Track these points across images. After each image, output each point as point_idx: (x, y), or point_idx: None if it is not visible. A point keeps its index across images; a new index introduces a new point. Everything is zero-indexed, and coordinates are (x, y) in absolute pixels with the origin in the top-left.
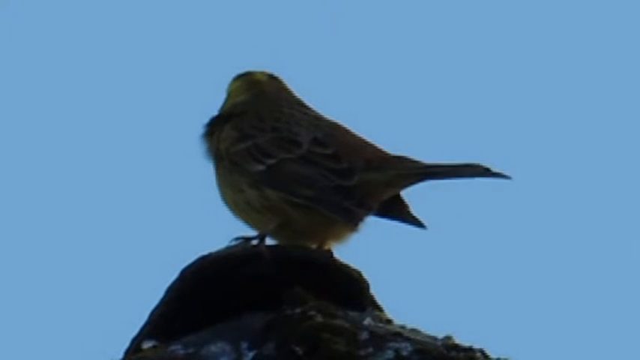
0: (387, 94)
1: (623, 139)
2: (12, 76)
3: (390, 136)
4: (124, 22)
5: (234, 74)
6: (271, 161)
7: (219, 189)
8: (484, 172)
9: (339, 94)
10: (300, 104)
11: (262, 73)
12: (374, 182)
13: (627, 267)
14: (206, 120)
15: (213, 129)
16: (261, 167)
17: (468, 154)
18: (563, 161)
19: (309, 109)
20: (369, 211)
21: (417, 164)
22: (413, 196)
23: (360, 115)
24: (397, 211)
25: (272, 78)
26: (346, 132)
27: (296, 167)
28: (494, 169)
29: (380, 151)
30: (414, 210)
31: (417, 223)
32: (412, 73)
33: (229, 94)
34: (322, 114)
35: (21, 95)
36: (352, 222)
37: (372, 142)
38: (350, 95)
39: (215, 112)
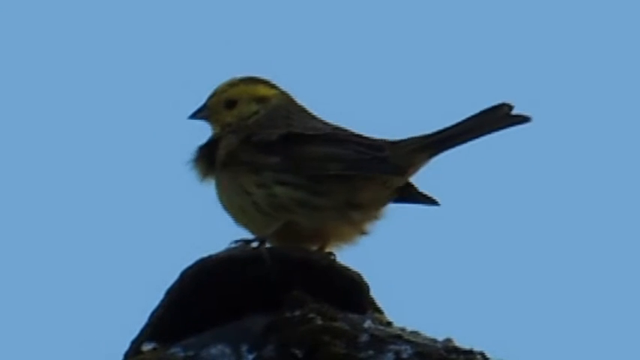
0: (382, 94)
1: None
2: (12, 76)
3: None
4: (116, 25)
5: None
6: (284, 132)
7: (221, 200)
8: (506, 116)
9: (333, 96)
10: (304, 111)
11: (265, 82)
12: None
13: (632, 270)
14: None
15: (203, 153)
16: (275, 158)
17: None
18: (574, 152)
19: (314, 117)
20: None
21: (427, 135)
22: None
23: (356, 116)
24: (407, 192)
25: (281, 92)
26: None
27: (319, 147)
28: (515, 112)
29: (387, 140)
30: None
31: (430, 201)
32: (408, 75)
33: (237, 101)
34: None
35: (20, 97)
36: (396, 173)
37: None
38: (344, 98)
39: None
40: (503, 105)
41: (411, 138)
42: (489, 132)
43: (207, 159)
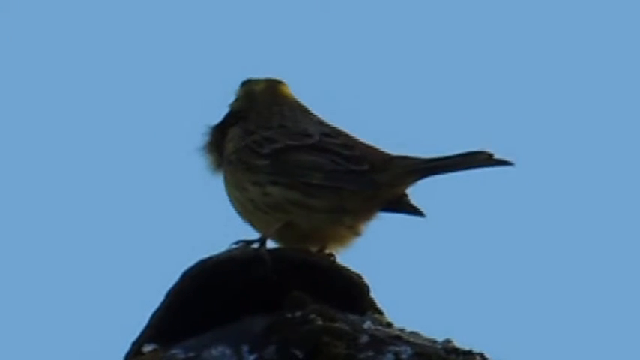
0: (382, 95)
1: (624, 128)
2: (11, 77)
3: (386, 138)
4: (126, 25)
5: (242, 77)
6: (277, 147)
7: (227, 193)
8: (488, 159)
9: (335, 97)
10: (301, 109)
11: (263, 80)
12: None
13: (632, 265)
14: (204, 130)
15: (215, 138)
16: (265, 161)
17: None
18: (567, 154)
19: (312, 113)
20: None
21: (418, 160)
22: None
23: (356, 116)
24: (396, 202)
25: (267, 87)
26: (349, 135)
27: (304, 156)
28: (497, 157)
29: (381, 152)
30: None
31: (417, 213)
32: (403, 75)
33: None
34: (324, 119)
35: (20, 97)
36: (368, 188)
37: (373, 145)
38: (345, 97)
39: (217, 119)
40: (482, 152)
41: (405, 159)
42: (475, 168)
43: (218, 150)
